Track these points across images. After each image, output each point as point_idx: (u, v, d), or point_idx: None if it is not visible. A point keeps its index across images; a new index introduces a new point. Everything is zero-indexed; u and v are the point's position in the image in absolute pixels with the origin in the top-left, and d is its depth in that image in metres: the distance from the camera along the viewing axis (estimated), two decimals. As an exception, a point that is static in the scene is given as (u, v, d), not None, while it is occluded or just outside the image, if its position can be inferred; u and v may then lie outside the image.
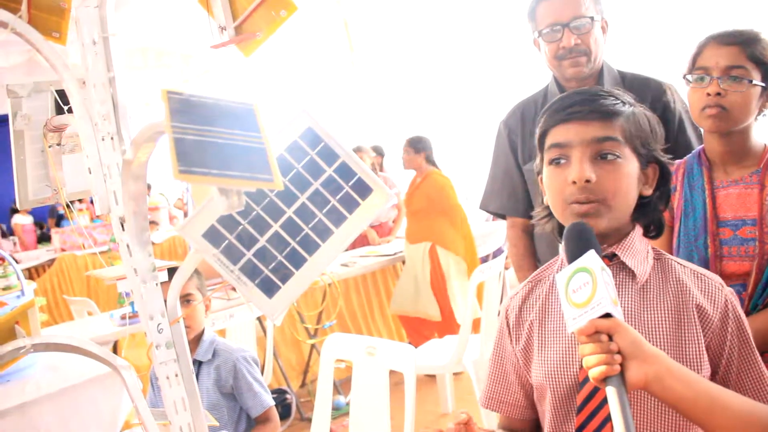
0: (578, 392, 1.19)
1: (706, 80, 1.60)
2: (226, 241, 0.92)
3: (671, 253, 1.73)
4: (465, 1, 6.45)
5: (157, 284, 0.95)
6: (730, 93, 1.57)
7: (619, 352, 0.96)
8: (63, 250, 8.21)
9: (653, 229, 1.28)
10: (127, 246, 0.95)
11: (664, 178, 1.25)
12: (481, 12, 6.28)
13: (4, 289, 2.95)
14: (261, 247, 0.91)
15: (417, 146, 4.86)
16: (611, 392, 0.94)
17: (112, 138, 0.97)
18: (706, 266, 1.60)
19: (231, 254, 0.91)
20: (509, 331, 1.36)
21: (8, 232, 10.76)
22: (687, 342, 1.15)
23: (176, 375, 0.96)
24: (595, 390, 1.16)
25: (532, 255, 2.36)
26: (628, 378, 0.96)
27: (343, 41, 7.81)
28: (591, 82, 2.08)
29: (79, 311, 4.69)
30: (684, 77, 1.69)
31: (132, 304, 3.76)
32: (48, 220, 10.43)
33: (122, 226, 0.95)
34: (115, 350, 3.41)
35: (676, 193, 1.74)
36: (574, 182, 1.16)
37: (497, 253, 5.20)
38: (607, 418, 1.14)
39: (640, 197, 1.22)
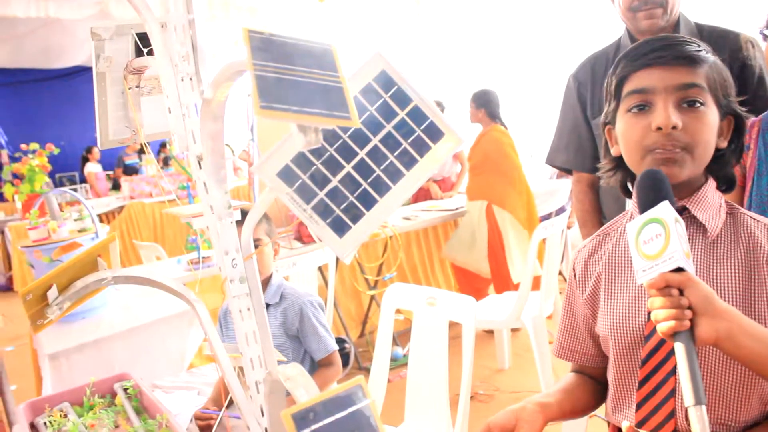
0: (643, 345, 1.19)
1: None
2: (300, 181, 0.94)
3: None
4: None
5: (232, 221, 0.98)
6: None
7: (689, 308, 0.95)
8: (132, 198, 8.47)
9: (724, 183, 1.25)
10: (204, 184, 0.98)
11: (738, 131, 1.22)
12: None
13: (80, 231, 3.08)
14: (333, 187, 0.93)
15: (478, 101, 4.78)
16: (680, 348, 0.93)
17: (191, 78, 1.00)
18: None
19: (304, 193, 0.94)
20: (576, 284, 1.37)
21: (80, 180, 11.18)
22: (757, 297, 1.12)
23: (248, 309, 0.99)
24: (661, 343, 1.15)
25: (598, 211, 2.34)
26: (698, 334, 0.95)
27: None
28: (666, 35, 2.02)
29: (148, 256, 4.86)
30: (761, 32, 1.63)
31: (199, 248, 3.88)
32: (115, 169, 10.77)
33: (199, 164, 0.98)
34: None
35: (749, 152, 1.68)
36: (659, 128, 1.13)
37: (560, 212, 5.15)
38: (671, 372, 1.14)
39: (716, 149, 1.20)
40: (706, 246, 1.18)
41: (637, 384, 1.18)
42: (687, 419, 1.11)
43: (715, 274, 1.15)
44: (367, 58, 0.96)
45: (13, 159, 9.35)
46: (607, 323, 1.27)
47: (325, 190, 0.94)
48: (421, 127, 0.94)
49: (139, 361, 2.82)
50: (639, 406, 1.17)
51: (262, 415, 0.99)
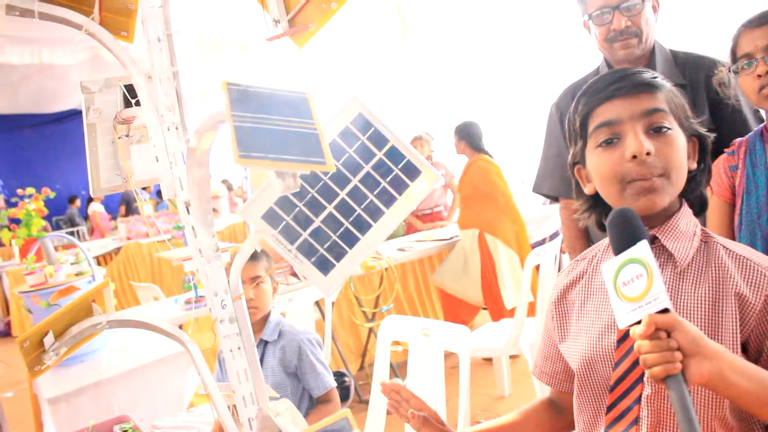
0: (612, 371, 1.19)
1: (753, 64, 1.59)
2: (284, 222, 0.98)
3: (733, 231, 1.72)
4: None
5: (220, 263, 1.02)
6: None
7: (678, 349, 0.93)
8: (129, 238, 8.51)
9: (697, 204, 1.26)
10: (192, 228, 1.01)
11: (704, 151, 1.23)
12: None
13: (76, 275, 3.10)
14: (316, 228, 0.97)
15: (460, 133, 4.87)
16: (673, 391, 0.91)
17: (176, 128, 1.04)
18: None
19: (289, 234, 0.97)
20: (555, 307, 1.39)
21: (83, 219, 11.28)
22: (723, 330, 1.10)
23: (239, 348, 1.03)
24: (630, 370, 1.14)
25: (585, 237, 2.37)
26: (690, 376, 0.92)
27: (396, 27, 7.82)
28: (642, 63, 2.07)
29: (145, 297, 4.87)
30: (730, 71, 1.69)
31: (196, 288, 3.90)
32: (119, 207, 10.88)
33: (187, 209, 1.02)
34: (180, 333, 3.53)
35: (738, 171, 1.73)
36: (634, 156, 1.12)
37: (553, 237, 5.19)
38: (637, 400, 1.13)
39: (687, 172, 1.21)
40: (675, 275, 1.17)
41: (605, 409, 1.19)
42: None
43: (681, 304, 1.14)
44: (343, 102, 1.00)
45: (9, 204, 9.40)
46: (576, 348, 1.28)
47: (309, 231, 0.97)
48: (399, 166, 0.99)
49: (138, 402, 2.83)
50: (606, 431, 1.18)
51: (256, 451, 1.02)
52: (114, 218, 10.85)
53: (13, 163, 11.87)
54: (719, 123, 1.94)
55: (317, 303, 3.86)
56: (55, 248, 3.36)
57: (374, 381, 2.52)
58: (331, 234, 0.98)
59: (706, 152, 1.24)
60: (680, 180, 1.17)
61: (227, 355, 1.02)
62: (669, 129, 1.15)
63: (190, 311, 3.76)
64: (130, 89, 1.24)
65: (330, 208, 0.98)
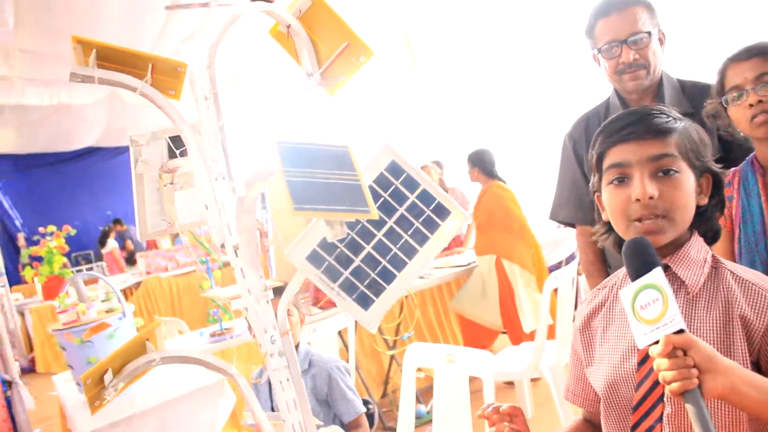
0: (635, 392, 1.27)
1: (743, 95, 1.67)
2: (326, 263, 1.06)
3: (734, 259, 1.79)
4: (526, 14, 6.51)
5: (268, 302, 1.10)
6: None
7: (694, 366, 1.01)
8: (148, 272, 8.62)
9: (709, 235, 1.34)
10: (241, 269, 1.10)
11: (717, 186, 1.31)
12: (543, 25, 6.33)
13: (107, 311, 3.19)
14: (356, 267, 1.06)
15: (473, 161, 4.94)
16: (691, 405, 1.00)
17: (223, 177, 1.14)
18: None
19: (331, 274, 1.06)
20: (580, 334, 1.47)
21: (95, 258, 11.45)
22: (733, 350, 1.18)
23: (287, 380, 1.11)
24: (651, 389, 1.22)
25: (602, 261, 2.44)
26: (706, 390, 1.01)
27: (406, 57, 7.95)
28: (651, 93, 2.15)
29: (170, 331, 4.96)
30: (721, 105, 1.77)
31: (221, 321, 3.99)
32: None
33: (236, 252, 1.11)
34: (207, 366, 3.61)
35: (734, 201, 1.79)
36: (638, 200, 1.22)
37: (569, 260, 5.24)
38: (659, 419, 1.22)
39: (697, 207, 1.29)
40: (688, 301, 1.25)
41: (629, 429, 1.26)
42: None
43: (693, 328, 1.22)
44: (377, 150, 1.09)
45: (30, 242, 9.58)
46: (600, 371, 1.36)
47: (350, 270, 1.06)
48: (430, 208, 1.07)
49: (171, 435, 2.90)
50: None
51: (305, 476, 1.10)
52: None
53: (32, 202, 12.07)
54: (728, 148, 2.01)
55: (340, 333, 3.94)
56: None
57: (401, 407, 2.59)
58: (370, 272, 1.06)
59: (719, 187, 1.31)
60: (684, 219, 1.26)
61: (276, 386, 1.10)
62: (676, 172, 1.24)
63: (216, 344, 3.85)
64: (173, 140, 1.34)
65: (368, 249, 1.07)
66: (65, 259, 8.45)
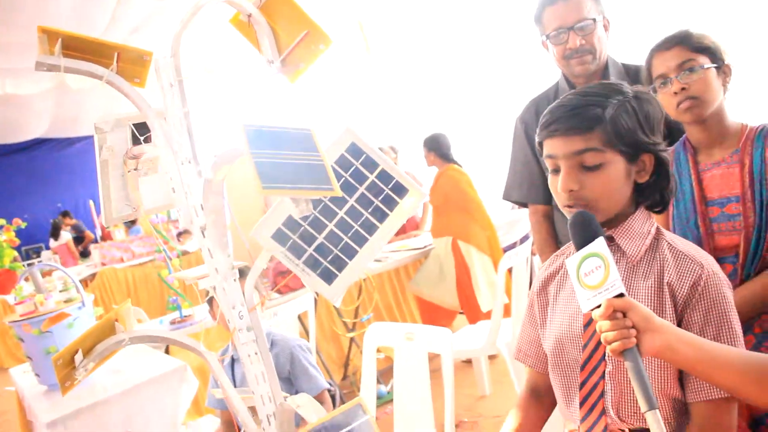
0: (582, 351, 1.37)
1: (668, 83, 1.77)
2: (291, 240, 1.12)
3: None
4: (478, 1, 6.60)
5: (235, 279, 1.15)
6: (691, 83, 1.74)
7: (632, 327, 1.11)
8: (103, 264, 8.51)
9: (656, 209, 1.44)
10: (209, 249, 1.15)
11: (661, 164, 1.39)
12: (493, 12, 6.43)
13: (66, 301, 3.19)
14: (320, 244, 1.12)
15: (429, 145, 5.03)
16: (629, 363, 1.09)
17: (189, 162, 1.18)
18: (700, 244, 1.75)
19: (296, 251, 1.12)
20: (536, 297, 1.57)
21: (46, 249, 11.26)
22: (663, 316, 1.30)
23: (256, 353, 1.16)
24: (595, 349, 1.34)
25: (554, 238, 2.53)
26: (643, 348, 1.11)
27: (360, 43, 7.97)
28: (597, 77, 2.24)
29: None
30: (649, 92, 1.87)
31: (180, 308, 4.01)
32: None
33: (203, 233, 1.15)
34: (167, 352, 3.63)
35: None
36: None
37: (524, 240, 5.38)
38: (602, 376, 1.33)
39: (639, 183, 1.38)
40: (629, 269, 1.37)
41: (578, 385, 1.36)
42: (619, 417, 1.31)
43: (633, 293, 1.34)
44: (338, 133, 1.15)
45: (-21, 236, 9.36)
46: (550, 332, 1.47)
47: (313, 246, 1.12)
48: (389, 186, 1.14)
49: (135, 422, 2.92)
50: (581, 404, 1.35)
51: (275, 444, 1.15)
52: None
53: (-21, 195, 11.79)
54: (668, 129, 2.11)
55: (300, 316, 3.98)
56: (26, 278, 3.43)
57: (362, 386, 2.65)
58: (333, 248, 1.12)
59: (661, 164, 1.39)
60: (610, 204, 1.35)
61: (245, 360, 1.15)
62: (598, 165, 1.32)
63: (176, 331, 3.86)
64: (138, 127, 1.37)
65: (331, 226, 1.12)
66: (16, 253, 8.28)
